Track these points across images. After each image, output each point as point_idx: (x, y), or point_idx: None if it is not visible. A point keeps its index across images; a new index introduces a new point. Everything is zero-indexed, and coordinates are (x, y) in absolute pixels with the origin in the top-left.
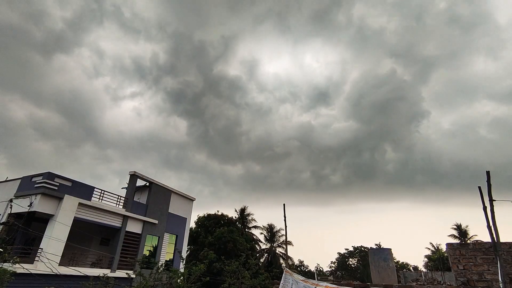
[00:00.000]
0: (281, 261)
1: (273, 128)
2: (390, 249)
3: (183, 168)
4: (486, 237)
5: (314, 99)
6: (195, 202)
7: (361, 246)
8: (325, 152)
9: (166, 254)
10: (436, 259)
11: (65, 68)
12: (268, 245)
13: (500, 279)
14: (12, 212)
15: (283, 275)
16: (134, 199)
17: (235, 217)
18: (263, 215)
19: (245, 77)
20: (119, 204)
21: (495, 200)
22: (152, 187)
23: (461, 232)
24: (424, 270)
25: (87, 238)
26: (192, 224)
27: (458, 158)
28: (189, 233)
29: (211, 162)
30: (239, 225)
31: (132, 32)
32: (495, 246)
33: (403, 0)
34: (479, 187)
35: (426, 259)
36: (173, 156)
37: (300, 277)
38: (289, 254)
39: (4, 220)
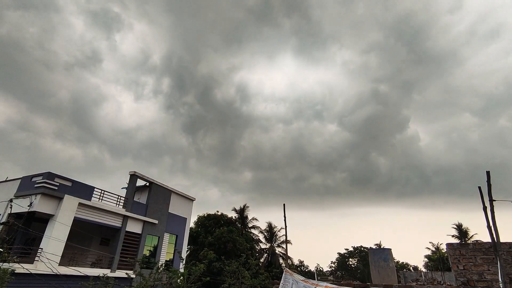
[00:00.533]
0: (281, 261)
1: (272, 141)
2: (390, 249)
3: (190, 174)
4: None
5: (309, 114)
6: (201, 205)
7: (361, 246)
8: (322, 160)
9: (166, 254)
10: (436, 259)
11: (78, 87)
12: (268, 245)
13: (500, 279)
14: (12, 212)
15: (283, 275)
16: (134, 199)
17: (235, 217)
18: (264, 220)
19: (245, 98)
20: (119, 204)
21: (495, 200)
22: (152, 187)
23: (461, 232)
24: (424, 270)
25: (87, 238)
26: (192, 224)
27: (445, 164)
28: (189, 233)
29: (213, 170)
30: (239, 225)
31: (138, 67)
32: (495, 246)
33: (373, 45)
34: (479, 187)
35: (426, 259)
36: (181, 163)
37: (300, 277)
38: (289, 254)
39: (4, 220)
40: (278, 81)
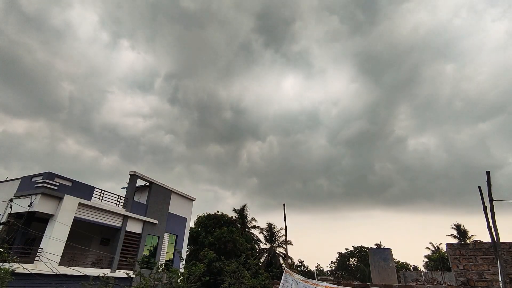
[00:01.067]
0: (281, 261)
1: (271, 151)
2: (390, 249)
3: (194, 177)
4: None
5: (306, 126)
6: (204, 208)
7: (362, 246)
8: (321, 166)
9: (166, 254)
10: (436, 259)
11: (88, 100)
12: (268, 245)
13: (500, 279)
14: (12, 212)
15: (283, 275)
16: (134, 199)
17: (235, 217)
18: (266, 221)
19: (244, 117)
20: (119, 204)
21: (495, 200)
22: (152, 187)
23: (461, 232)
24: (424, 270)
25: (87, 238)
26: (192, 224)
27: (437, 170)
28: (189, 233)
29: (217, 175)
30: (239, 225)
31: (145, 88)
32: (495, 246)
33: (353, 78)
34: (479, 187)
35: (426, 259)
36: (186, 169)
37: (300, 277)
38: (289, 254)
39: (4, 220)
40: (275, 100)
